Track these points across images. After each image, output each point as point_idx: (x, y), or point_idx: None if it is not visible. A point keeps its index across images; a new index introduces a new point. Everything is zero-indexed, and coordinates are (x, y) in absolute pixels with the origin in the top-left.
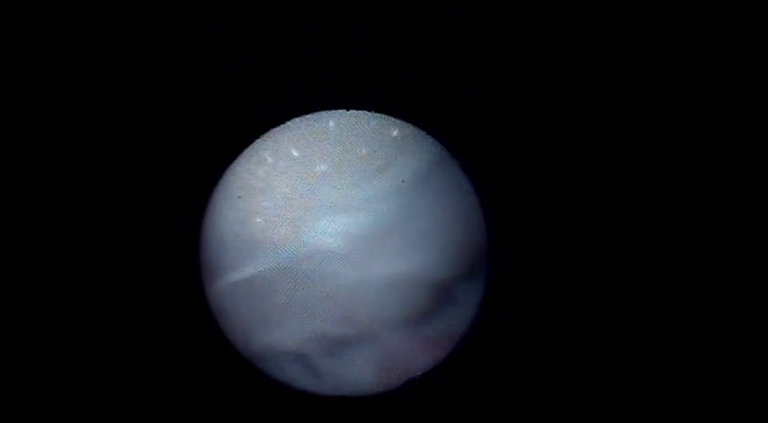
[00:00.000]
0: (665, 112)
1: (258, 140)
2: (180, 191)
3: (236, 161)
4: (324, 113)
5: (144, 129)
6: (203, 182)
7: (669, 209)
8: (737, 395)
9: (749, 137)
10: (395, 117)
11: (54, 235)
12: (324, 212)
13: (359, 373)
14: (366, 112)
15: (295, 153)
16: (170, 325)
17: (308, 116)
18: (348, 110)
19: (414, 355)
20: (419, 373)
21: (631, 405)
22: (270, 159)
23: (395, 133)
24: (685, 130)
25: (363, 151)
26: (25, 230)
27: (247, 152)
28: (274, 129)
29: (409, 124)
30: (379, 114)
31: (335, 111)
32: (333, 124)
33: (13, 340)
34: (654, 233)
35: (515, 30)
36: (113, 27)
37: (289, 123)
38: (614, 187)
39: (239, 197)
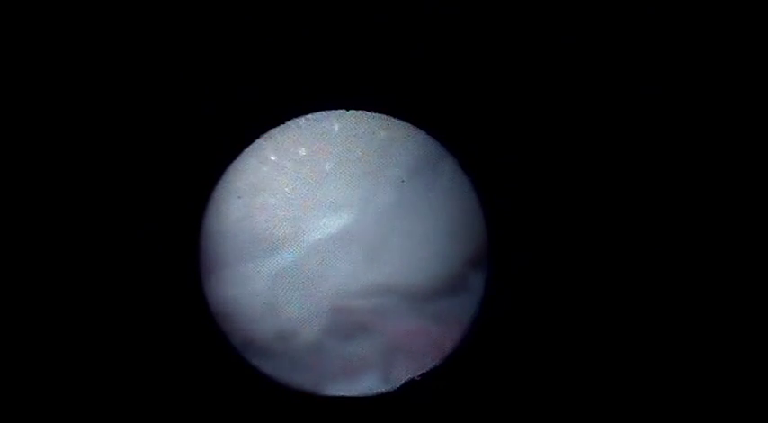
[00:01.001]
0: (665, 108)
1: (260, 139)
2: (181, 189)
3: (238, 160)
4: (324, 114)
5: (146, 128)
6: (204, 180)
7: (669, 203)
8: (737, 395)
9: (749, 137)
10: (394, 117)
11: (54, 233)
12: (325, 211)
13: (359, 367)
14: (365, 112)
15: (301, 152)
16: (170, 322)
17: (310, 116)
18: (348, 110)
19: (415, 350)
20: (419, 374)
21: (631, 405)
22: (273, 158)
23: (391, 133)
24: (685, 131)
25: (363, 151)
26: (26, 226)
27: (251, 151)
28: (276, 128)
29: (408, 124)
30: (379, 114)
31: (335, 111)
32: (336, 125)
33: (12, 335)
34: (653, 226)
35: (516, 28)
36: (115, 27)
37: (291, 123)
38: (613, 186)
39: (239, 197)
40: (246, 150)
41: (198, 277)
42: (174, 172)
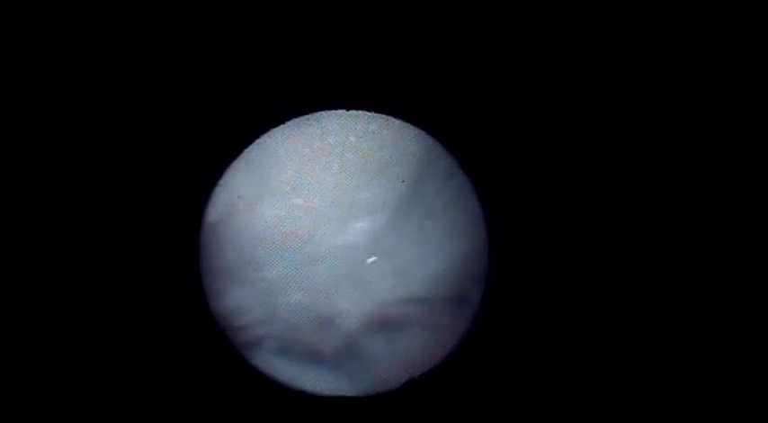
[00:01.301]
0: (666, 109)
1: (261, 139)
2: (182, 189)
3: (239, 159)
4: (324, 113)
5: (146, 128)
6: (204, 181)
7: (669, 203)
8: (737, 395)
9: (750, 138)
10: (394, 117)
11: (56, 234)
12: (325, 211)
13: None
14: (365, 111)
15: (301, 152)
16: (171, 321)
17: (308, 116)
18: (348, 110)
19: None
20: (419, 374)
21: (631, 407)
22: (274, 158)
23: (391, 133)
24: (688, 132)
25: (363, 151)
26: (26, 231)
27: (251, 150)
28: (276, 128)
29: (408, 124)
30: (379, 114)
31: (335, 111)
32: (335, 125)
33: (13, 336)
34: (652, 225)
35: (516, 29)
36: (115, 27)
37: (291, 123)
38: (613, 186)
39: (240, 197)
40: (247, 150)
41: (199, 277)
42: (175, 172)
